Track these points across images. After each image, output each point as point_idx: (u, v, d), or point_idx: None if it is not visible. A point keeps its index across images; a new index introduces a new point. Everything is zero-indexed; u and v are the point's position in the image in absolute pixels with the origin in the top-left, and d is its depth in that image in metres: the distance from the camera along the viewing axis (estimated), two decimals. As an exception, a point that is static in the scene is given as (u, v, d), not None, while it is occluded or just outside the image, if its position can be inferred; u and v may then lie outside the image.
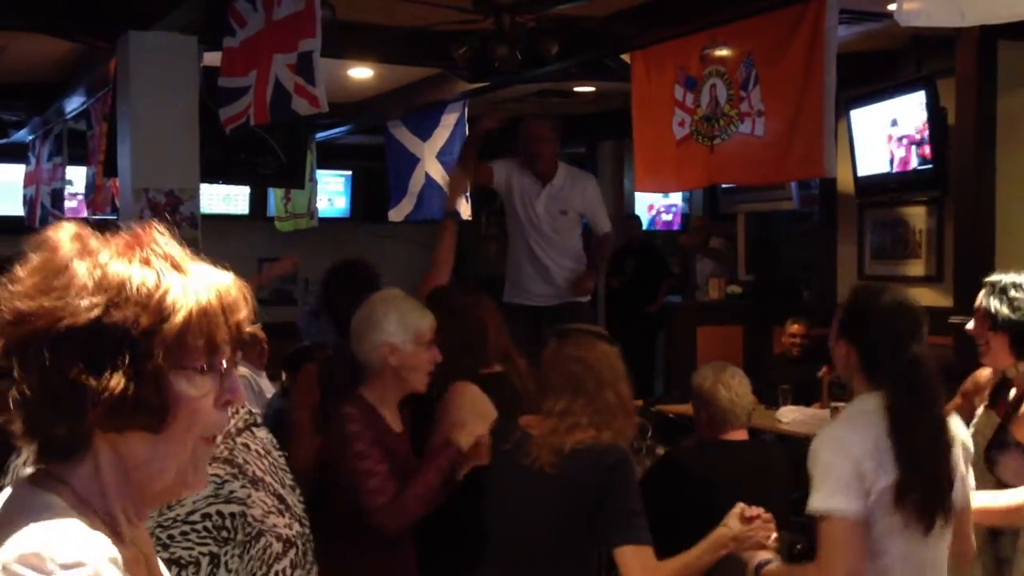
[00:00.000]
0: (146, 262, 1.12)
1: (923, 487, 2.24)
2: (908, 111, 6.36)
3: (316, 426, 3.74)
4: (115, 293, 1.09)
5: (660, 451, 4.62)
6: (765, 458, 3.77)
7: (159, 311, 1.09)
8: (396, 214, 8.26)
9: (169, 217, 5.40)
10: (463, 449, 2.92)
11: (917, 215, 6.83)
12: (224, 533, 2.28)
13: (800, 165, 4.75)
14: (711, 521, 3.40)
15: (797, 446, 5.18)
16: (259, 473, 2.28)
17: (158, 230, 1.18)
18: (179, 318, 1.10)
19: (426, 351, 3.02)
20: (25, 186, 9.38)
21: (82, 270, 1.10)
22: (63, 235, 1.14)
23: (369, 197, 11.42)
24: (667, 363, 9.17)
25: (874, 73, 6.78)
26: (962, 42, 5.91)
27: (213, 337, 1.13)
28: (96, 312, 1.07)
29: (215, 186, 9.20)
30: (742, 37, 5.00)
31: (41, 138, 8.81)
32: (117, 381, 1.07)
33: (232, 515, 2.23)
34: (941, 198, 6.52)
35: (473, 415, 3.05)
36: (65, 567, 1.02)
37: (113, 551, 1.08)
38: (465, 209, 7.39)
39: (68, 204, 8.69)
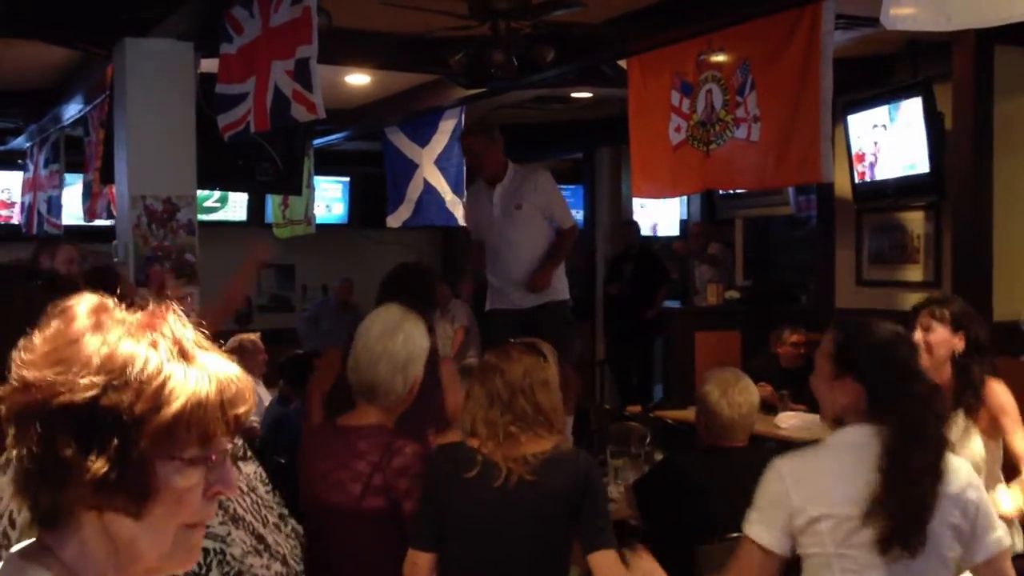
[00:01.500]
0: (154, 345, 1.12)
1: (891, 516, 2.20)
2: (905, 116, 6.36)
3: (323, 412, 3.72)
4: (116, 375, 1.08)
5: (658, 457, 4.61)
6: (763, 465, 3.76)
7: (155, 399, 1.09)
8: (394, 220, 8.27)
9: (167, 224, 5.41)
10: None
11: (915, 220, 6.84)
12: (195, 567, 2.25)
13: (797, 170, 4.76)
14: (708, 526, 3.40)
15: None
16: (240, 511, 2.23)
17: (175, 311, 1.17)
18: (173, 408, 1.09)
19: None
20: (23, 193, 9.39)
21: (91, 346, 1.10)
22: (82, 307, 1.14)
23: (367, 203, 11.42)
24: (665, 369, 9.17)
25: (871, 78, 6.79)
26: (959, 47, 5.91)
27: (206, 430, 1.12)
28: (93, 392, 1.07)
29: (213, 192, 9.21)
30: (738, 42, 5.00)
31: (38, 145, 8.81)
32: (102, 464, 1.07)
33: (205, 551, 2.18)
34: (939, 203, 6.52)
35: None
36: None
37: None
38: (461, 215, 7.40)
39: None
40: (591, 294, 10.85)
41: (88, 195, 7.78)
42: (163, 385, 1.09)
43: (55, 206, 8.57)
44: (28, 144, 9.10)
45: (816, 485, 2.29)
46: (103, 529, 1.11)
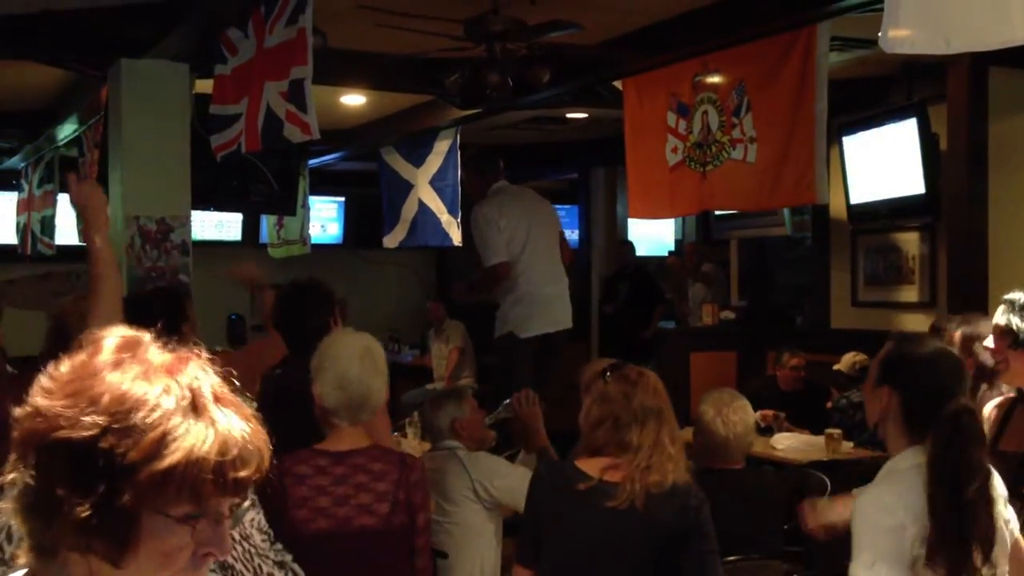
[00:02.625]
0: (167, 391, 1.09)
1: (959, 544, 2.14)
2: (900, 137, 6.37)
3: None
4: (120, 418, 1.06)
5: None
6: (760, 487, 3.75)
7: (150, 450, 1.06)
8: (390, 240, 8.25)
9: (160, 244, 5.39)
10: None
11: (910, 241, 6.84)
12: None
13: (792, 191, 4.75)
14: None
15: (792, 473, 5.16)
16: (231, 560, 2.19)
17: (200, 357, 1.15)
18: (167, 462, 1.06)
19: None
20: (18, 213, 9.36)
21: (106, 382, 1.09)
22: (110, 341, 1.13)
23: (362, 223, 11.40)
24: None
25: (866, 100, 6.80)
26: (953, 69, 5.93)
27: (198, 489, 1.07)
28: (93, 432, 1.06)
29: (207, 212, 9.18)
30: (734, 64, 5.01)
31: (32, 165, 8.80)
32: (85, 507, 1.05)
33: None
34: (933, 224, 6.53)
35: None
36: None
37: None
38: (456, 235, 7.39)
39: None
40: (586, 314, 10.84)
41: (83, 216, 7.75)
42: (163, 437, 1.06)
43: (49, 226, 8.55)
44: (23, 164, 9.09)
45: (922, 510, 2.18)
46: (88, 571, 1.09)
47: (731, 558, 3.41)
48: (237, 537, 2.27)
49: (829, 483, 4.83)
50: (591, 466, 2.71)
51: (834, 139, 6.47)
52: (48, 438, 1.06)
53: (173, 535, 1.08)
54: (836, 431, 5.74)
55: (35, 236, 8.74)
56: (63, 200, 8.37)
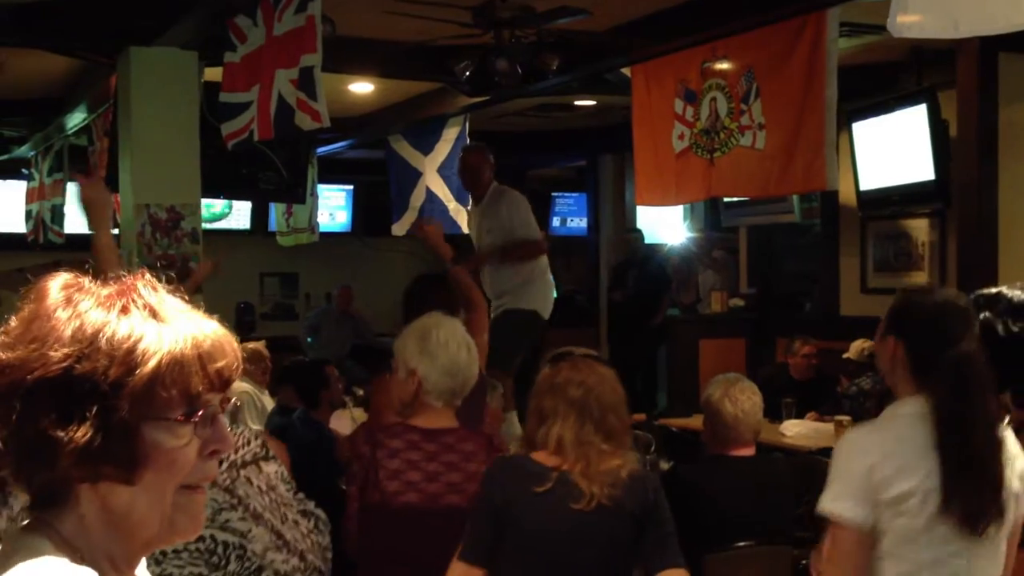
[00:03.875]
0: (125, 311, 1.12)
1: (972, 491, 2.16)
2: (909, 124, 6.36)
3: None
4: (87, 344, 1.09)
5: (664, 465, 4.60)
6: (770, 473, 3.75)
7: (128, 362, 1.08)
8: (399, 228, 8.26)
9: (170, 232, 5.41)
10: None
11: (919, 227, 6.83)
12: (215, 559, 2.30)
13: (801, 178, 4.74)
14: (716, 536, 3.39)
15: (802, 460, 5.17)
16: (259, 509, 2.30)
17: (145, 278, 1.17)
18: (148, 368, 1.08)
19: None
20: (28, 202, 9.39)
21: (62, 320, 1.10)
22: (53, 284, 1.15)
23: (370, 211, 11.42)
24: (670, 377, 9.16)
25: (875, 86, 6.78)
26: (963, 54, 5.91)
27: (187, 387, 1.11)
28: (66, 363, 1.08)
29: (217, 200, 9.21)
30: (742, 50, 5.00)
31: (42, 154, 8.82)
32: (84, 432, 1.06)
33: (225, 543, 2.24)
34: (943, 210, 6.51)
35: None
36: None
37: None
38: (464, 223, 7.40)
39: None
40: (595, 301, 10.85)
41: (92, 204, 7.77)
42: (135, 347, 1.09)
43: (59, 215, 8.58)
44: (32, 153, 9.11)
45: (901, 456, 2.20)
46: (100, 501, 1.11)
47: (741, 544, 3.43)
48: (265, 488, 2.36)
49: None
50: (548, 459, 2.64)
51: (843, 125, 6.45)
52: (24, 383, 1.07)
53: (176, 437, 1.11)
54: (846, 418, 5.74)
55: (45, 225, 8.78)
56: (73, 188, 8.42)
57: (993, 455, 2.20)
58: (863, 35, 5.27)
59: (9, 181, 10.07)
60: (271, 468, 2.42)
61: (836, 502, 2.23)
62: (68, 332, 1.09)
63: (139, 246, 5.39)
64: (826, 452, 5.32)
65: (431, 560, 2.69)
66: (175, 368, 1.10)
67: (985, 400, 2.23)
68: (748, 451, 3.64)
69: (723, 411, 3.56)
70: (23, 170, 9.51)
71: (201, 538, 2.26)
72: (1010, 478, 2.24)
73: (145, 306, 1.13)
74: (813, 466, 4.99)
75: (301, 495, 2.51)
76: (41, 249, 8.69)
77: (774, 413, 5.99)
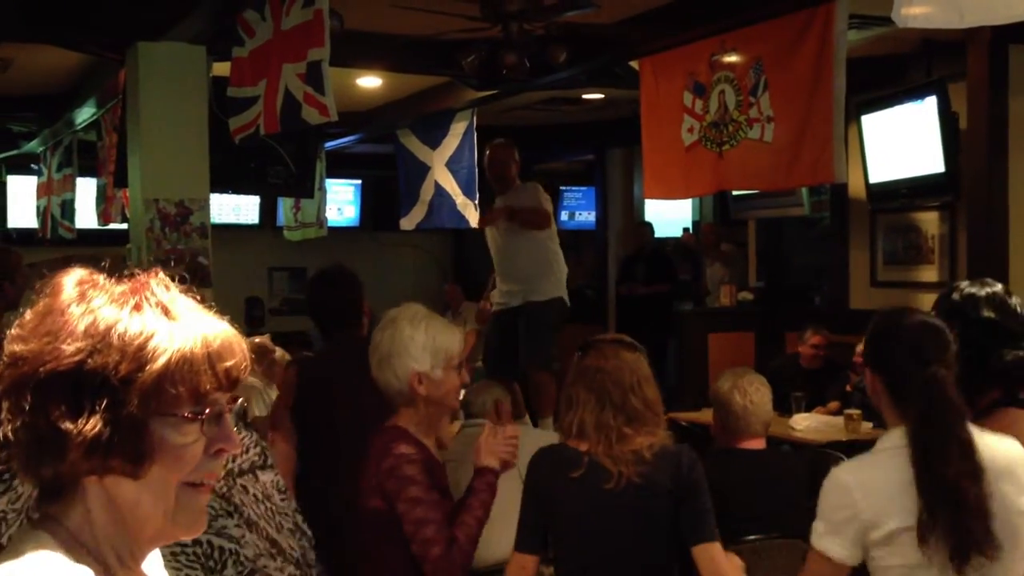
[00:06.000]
0: (137, 308, 1.14)
1: (951, 525, 2.10)
2: (919, 116, 6.33)
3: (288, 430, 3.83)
4: (99, 339, 1.10)
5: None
6: (781, 467, 3.75)
7: (138, 358, 1.10)
8: (408, 222, 8.26)
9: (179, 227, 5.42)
10: (500, 469, 2.78)
11: (929, 220, 6.80)
12: (211, 563, 2.32)
13: (810, 171, 4.73)
14: (726, 530, 3.38)
15: (812, 453, 5.16)
16: (254, 517, 2.33)
17: (158, 276, 1.19)
18: (158, 365, 1.10)
19: (457, 375, 2.83)
20: (37, 197, 9.42)
21: (75, 315, 1.12)
22: (68, 280, 1.17)
23: (378, 206, 11.43)
24: (679, 370, 9.15)
25: (885, 78, 6.76)
26: (973, 46, 5.88)
27: (196, 385, 1.13)
28: (78, 357, 1.09)
29: (225, 196, 9.22)
30: (751, 43, 4.98)
31: (51, 149, 8.84)
32: (93, 426, 1.08)
33: (221, 548, 2.28)
34: (953, 203, 6.49)
35: (488, 432, 2.85)
36: None
37: None
38: (474, 217, 7.40)
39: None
40: (603, 295, 10.84)
41: (102, 199, 7.80)
42: (146, 343, 1.11)
43: (69, 210, 8.60)
44: (42, 148, 9.14)
45: (885, 495, 2.18)
46: (106, 495, 1.13)
47: (752, 537, 3.42)
48: (260, 496, 2.38)
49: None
50: (579, 445, 2.71)
51: (853, 118, 6.43)
52: (37, 376, 1.09)
53: (182, 434, 1.13)
54: (856, 411, 5.74)
55: (55, 220, 8.80)
56: (82, 184, 8.44)
57: (973, 483, 2.13)
58: (872, 27, 5.24)
59: (20, 177, 10.11)
60: (267, 477, 2.41)
61: (824, 539, 2.25)
62: (81, 327, 1.11)
63: (148, 241, 5.40)
64: (836, 446, 5.32)
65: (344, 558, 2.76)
66: (184, 366, 1.12)
67: (957, 425, 2.18)
68: (758, 444, 3.63)
69: (732, 402, 3.56)
70: (32, 165, 9.53)
71: (198, 542, 2.28)
72: (1011, 496, 2.17)
73: (157, 304, 1.15)
74: (823, 460, 4.99)
75: (294, 505, 2.46)
76: (51, 244, 8.71)
77: (784, 405, 6.00)
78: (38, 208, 9.38)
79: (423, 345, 2.78)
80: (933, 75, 6.41)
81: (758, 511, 3.45)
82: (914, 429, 2.18)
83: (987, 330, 2.51)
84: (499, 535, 3.83)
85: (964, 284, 2.63)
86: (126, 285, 1.17)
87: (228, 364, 1.16)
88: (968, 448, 2.16)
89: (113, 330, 1.10)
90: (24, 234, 9.68)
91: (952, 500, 2.12)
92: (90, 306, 1.12)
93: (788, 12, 4.70)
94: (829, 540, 2.24)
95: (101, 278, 1.17)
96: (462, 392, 4.90)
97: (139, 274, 1.19)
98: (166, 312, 1.14)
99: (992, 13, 2.81)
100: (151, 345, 1.11)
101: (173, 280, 1.19)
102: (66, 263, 1.21)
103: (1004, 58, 5.89)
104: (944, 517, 2.11)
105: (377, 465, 2.74)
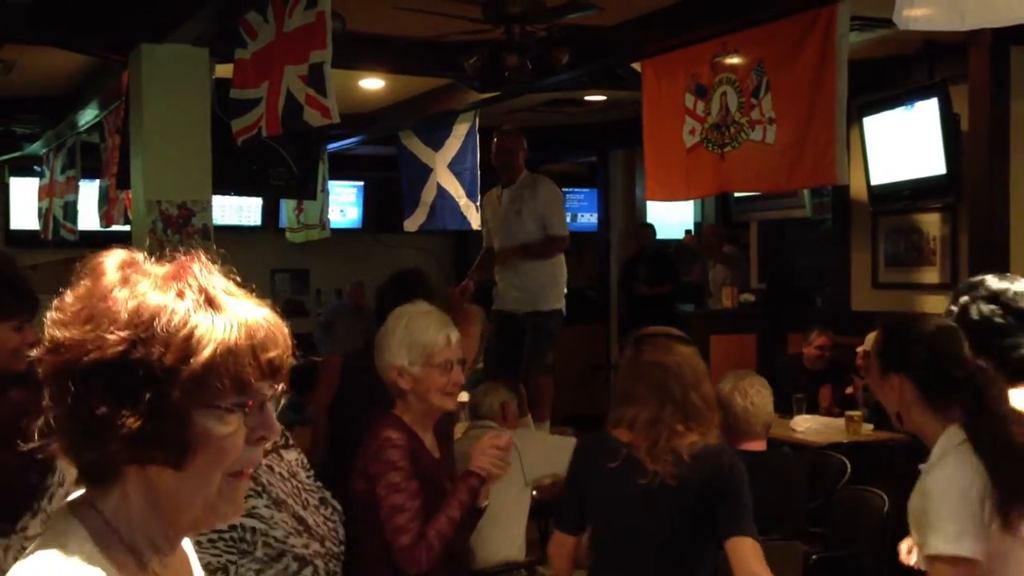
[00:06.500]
0: (181, 295, 1.12)
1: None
2: (921, 118, 6.33)
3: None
4: (144, 328, 1.09)
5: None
6: (782, 468, 3.76)
7: (183, 349, 1.09)
8: (411, 224, 8.27)
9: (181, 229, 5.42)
10: (486, 476, 2.79)
11: (931, 222, 6.80)
12: (243, 545, 2.35)
13: (812, 173, 4.73)
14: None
15: (812, 455, 5.16)
16: (282, 495, 2.36)
17: (200, 260, 1.18)
18: (202, 357, 1.09)
19: (440, 373, 2.82)
20: (40, 199, 9.43)
21: (119, 300, 1.10)
22: (110, 262, 1.15)
23: (381, 208, 11.44)
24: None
25: (887, 80, 6.76)
26: (975, 48, 5.88)
27: (240, 376, 1.11)
28: (122, 347, 1.08)
29: (228, 197, 9.23)
30: (753, 44, 4.98)
31: (54, 151, 8.85)
32: (136, 417, 1.07)
33: (253, 529, 2.30)
34: (955, 205, 6.49)
35: (488, 439, 2.89)
36: None
37: None
38: (475, 219, 7.40)
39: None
40: (605, 296, 10.84)
41: (104, 201, 7.81)
42: (191, 335, 1.09)
43: (71, 212, 8.61)
44: (44, 150, 9.15)
45: (982, 484, 2.13)
46: (147, 482, 1.12)
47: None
48: (286, 474, 2.41)
49: (849, 465, 4.83)
50: (624, 436, 2.77)
51: (855, 119, 6.43)
52: (80, 364, 1.07)
53: (225, 425, 1.11)
54: (856, 413, 5.74)
55: (57, 221, 8.81)
56: (84, 185, 8.45)
57: None
58: (874, 29, 5.24)
59: (23, 179, 10.12)
60: (291, 455, 2.47)
61: (959, 543, 2.12)
62: (125, 315, 1.09)
63: (151, 242, 5.41)
64: (836, 448, 5.33)
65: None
66: (228, 358, 1.10)
67: (1003, 407, 2.20)
68: (759, 445, 3.64)
69: (733, 403, 3.58)
70: (35, 167, 9.54)
71: (233, 526, 2.29)
72: None
73: (200, 290, 1.13)
74: (823, 462, 4.99)
75: (319, 483, 2.55)
76: (54, 246, 8.72)
77: (786, 406, 6.00)
78: (40, 210, 9.39)
79: (400, 340, 2.84)
80: (935, 77, 6.41)
81: (759, 512, 3.45)
82: (971, 422, 2.17)
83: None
84: (499, 536, 3.86)
85: (990, 278, 2.60)
86: (169, 268, 1.16)
87: (271, 355, 1.14)
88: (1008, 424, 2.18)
89: (157, 319, 1.09)
90: (26, 236, 9.69)
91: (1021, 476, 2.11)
92: (134, 291, 1.11)
93: (790, 14, 4.70)
94: (964, 543, 2.11)
95: (143, 260, 1.16)
96: (465, 395, 4.92)
97: (180, 255, 1.18)
98: (209, 299, 1.13)
99: (993, 15, 2.82)
100: (196, 336, 1.09)
101: (214, 264, 1.18)
102: (68, 265, 1.21)
103: (1005, 60, 5.89)
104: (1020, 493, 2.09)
105: (366, 448, 2.79)
